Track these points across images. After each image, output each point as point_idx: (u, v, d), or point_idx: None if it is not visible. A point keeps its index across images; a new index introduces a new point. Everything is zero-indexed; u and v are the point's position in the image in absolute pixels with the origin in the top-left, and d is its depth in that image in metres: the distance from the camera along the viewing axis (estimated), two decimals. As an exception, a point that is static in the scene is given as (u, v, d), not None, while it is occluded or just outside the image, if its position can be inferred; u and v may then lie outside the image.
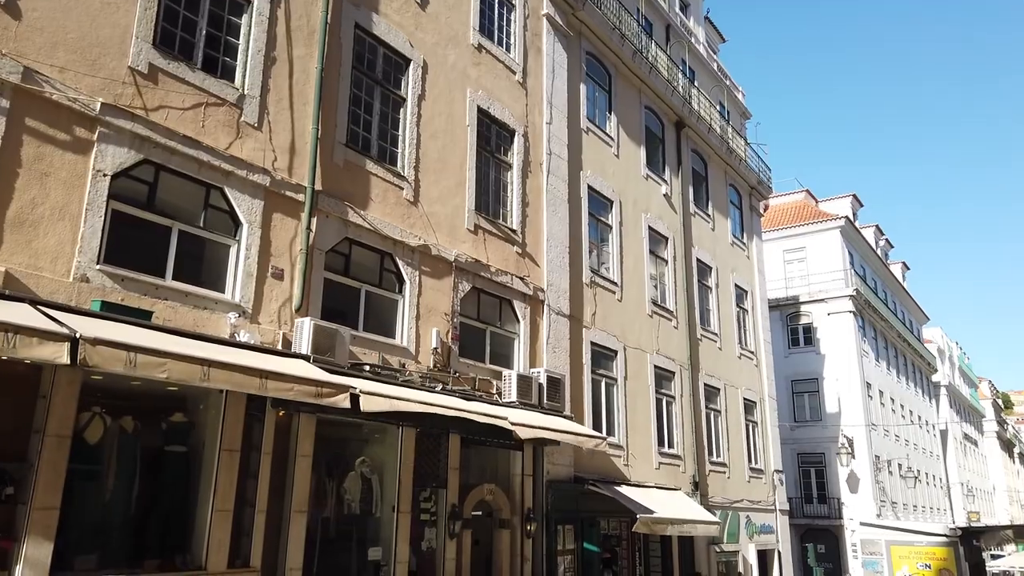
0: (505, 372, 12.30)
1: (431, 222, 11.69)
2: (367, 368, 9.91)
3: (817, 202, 40.69)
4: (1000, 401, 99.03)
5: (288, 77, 9.71)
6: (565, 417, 13.08)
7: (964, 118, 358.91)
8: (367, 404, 8.06)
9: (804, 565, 27.98)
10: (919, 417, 44.54)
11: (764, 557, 21.37)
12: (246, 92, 9.14)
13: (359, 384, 8.28)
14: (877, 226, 44.65)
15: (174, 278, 8.13)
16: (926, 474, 43.34)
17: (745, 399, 22.01)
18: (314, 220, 9.67)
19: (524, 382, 12.34)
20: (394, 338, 10.76)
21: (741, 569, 19.61)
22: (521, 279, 13.48)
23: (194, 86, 8.58)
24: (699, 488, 18.27)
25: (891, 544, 14.10)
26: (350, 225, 10.20)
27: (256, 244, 8.93)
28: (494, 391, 12.26)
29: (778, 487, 22.82)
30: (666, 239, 19.37)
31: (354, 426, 10.22)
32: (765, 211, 40.52)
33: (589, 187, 16.38)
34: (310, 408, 8.91)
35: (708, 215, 22.01)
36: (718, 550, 18.58)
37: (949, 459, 52.67)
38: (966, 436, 62.74)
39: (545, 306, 14.03)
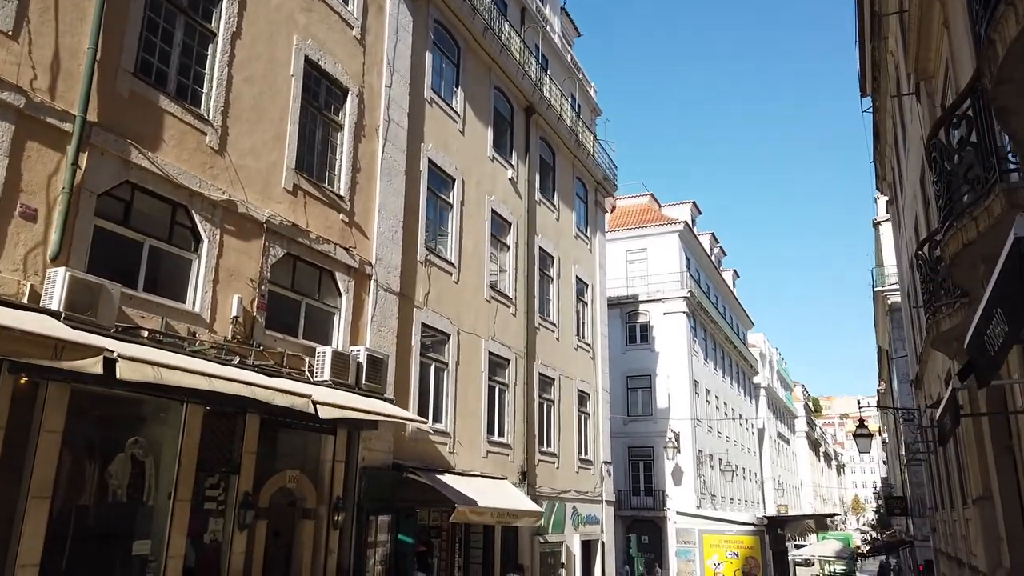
0: (319, 348, 11.24)
1: (240, 176, 10.41)
2: (145, 334, 8.55)
3: (660, 206, 42.25)
4: (811, 404, 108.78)
5: (61, -16, 8.15)
6: (386, 400, 12.21)
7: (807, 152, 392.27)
8: (126, 371, 6.80)
9: (627, 555, 28.71)
10: (740, 415, 47.51)
11: (588, 547, 21.53)
12: (0, -8, 7.53)
13: (119, 347, 6.98)
14: (713, 234, 47.12)
15: None
16: (743, 469, 46.29)
17: (579, 390, 22.09)
18: (84, 156, 8.18)
19: (340, 360, 11.33)
20: (184, 303, 9.42)
21: (564, 559, 19.58)
22: (346, 250, 12.44)
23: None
24: (527, 478, 17.99)
25: (704, 533, 14.39)
26: (133, 167, 8.77)
27: (0, 175, 7.36)
28: (306, 368, 11.17)
29: (606, 478, 23.11)
30: (509, 224, 18.94)
31: (128, 401, 8.81)
32: (612, 211, 41.62)
33: (430, 161, 15.57)
34: (61, 376, 7.47)
35: (554, 205, 21.87)
36: (542, 540, 18.41)
37: (764, 456, 56.76)
38: (780, 435, 68.02)
39: (372, 281, 13.07)
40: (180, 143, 9.49)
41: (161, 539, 8.66)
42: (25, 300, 7.38)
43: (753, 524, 14.43)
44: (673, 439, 33.17)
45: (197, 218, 9.63)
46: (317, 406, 9.45)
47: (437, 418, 14.94)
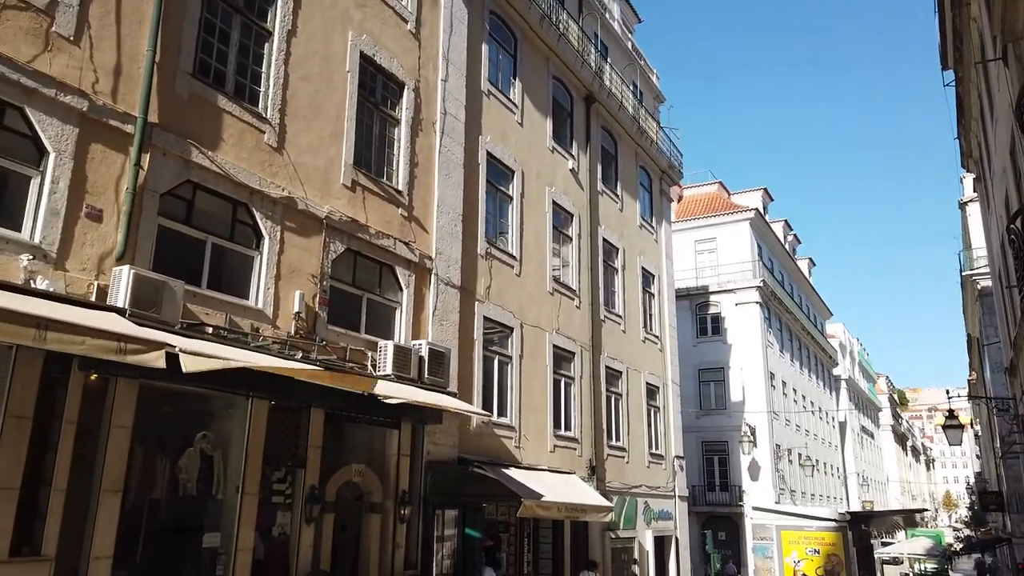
0: (381, 343, 11.25)
1: (299, 173, 10.49)
2: (209, 330, 8.69)
3: (729, 194, 41.10)
4: (896, 397, 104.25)
5: (121, -10, 8.34)
6: (449, 394, 12.14)
7: (880, 126, 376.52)
8: (189, 364, 6.87)
9: (703, 552, 28.03)
10: (819, 408, 45.83)
11: (661, 543, 21.06)
12: None
13: (181, 342, 7.08)
14: (786, 221, 45.55)
15: (-48, 210, 6.74)
16: (824, 463, 44.64)
17: (648, 383, 21.62)
18: (146, 157, 8.36)
19: (402, 354, 11.31)
20: (247, 299, 9.54)
21: (637, 555, 19.18)
22: (406, 244, 12.43)
23: (-10, -16, 7.16)
24: (596, 472, 17.69)
25: (781, 529, 13.79)
26: (194, 167, 8.92)
27: (66, 177, 7.57)
28: (368, 363, 11.19)
29: (678, 473, 22.56)
30: (571, 216, 18.65)
31: (195, 397, 8.99)
32: (679, 201, 40.77)
33: (488, 154, 15.45)
34: (130, 372, 7.64)
35: (617, 195, 21.45)
36: (613, 536, 18.07)
37: (847, 450, 54.61)
38: (863, 428, 65.38)
39: (433, 275, 13.03)
40: (239, 142, 9.61)
41: (230, 532, 8.79)
42: (93, 299, 7.56)
43: (835, 520, 13.75)
44: (748, 433, 32.17)
45: (258, 215, 9.74)
46: (379, 395, 9.43)
47: (502, 412, 14.81)
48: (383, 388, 9.77)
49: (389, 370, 11.01)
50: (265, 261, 9.78)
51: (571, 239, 18.60)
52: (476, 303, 14.37)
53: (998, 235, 16.27)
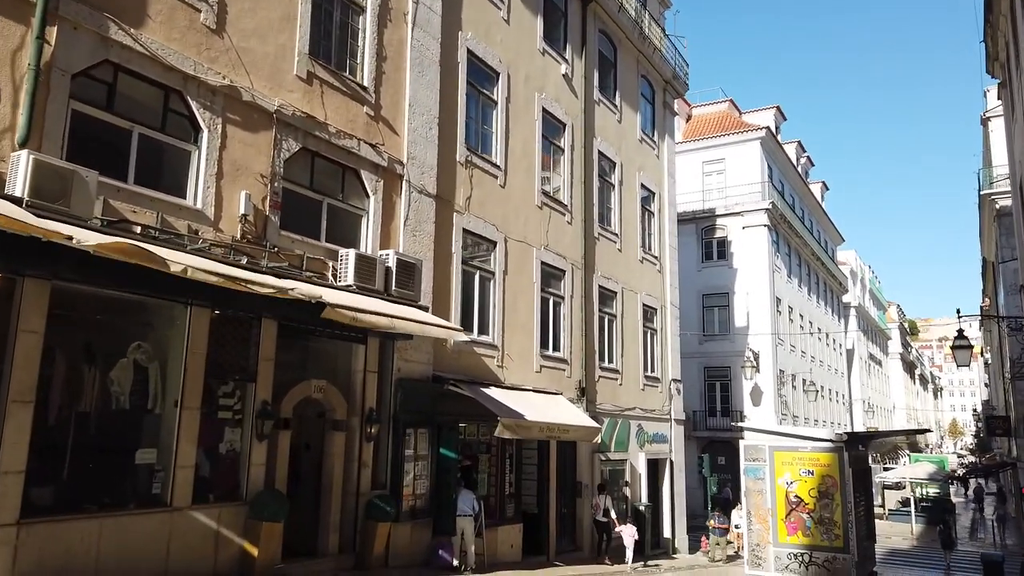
0: (342, 251, 10.40)
1: (243, 60, 9.44)
2: (138, 229, 7.85)
3: (740, 113, 39.36)
4: (907, 326, 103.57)
5: None
6: (420, 308, 11.36)
7: (891, 42, 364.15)
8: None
9: (700, 476, 27.82)
10: (827, 335, 45.13)
11: (656, 466, 20.67)
12: None
13: (83, 235, 6.23)
14: (799, 142, 43.84)
15: None
16: (829, 390, 44.24)
17: (645, 305, 20.82)
18: (52, 30, 7.35)
19: (365, 264, 10.48)
20: (184, 198, 8.67)
21: (628, 478, 18.78)
22: (372, 146, 11.43)
23: None
24: (586, 394, 17.08)
25: (775, 450, 13.15)
26: (114, 45, 7.91)
27: (-51, 48, 6.61)
28: (329, 273, 10.38)
29: (675, 396, 22.00)
30: (563, 125, 17.48)
31: (130, 304, 8.23)
32: (688, 121, 39.15)
33: (470, 52, 14.23)
34: (38, 272, 6.87)
35: (615, 106, 20.16)
36: (603, 458, 17.60)
37: (853, 377, 54.23)
38: (871, 356, 64.91)
39: (404, 182, 12.08)
40: (169, 20, 8.55)
41: (169, 448, 8.17)
42: (-11, 188, 6.71)
43: (831, 440, 13.08)
44: (752, 358, 31.59)
45: (194, 105, 8.76)
46: (333, 308, 8.63)
47: (483, 330, 14.08)
48: (338, 298, 8.97)
49: (351, 280, 10.21)
50: (204, 157, 8.85)
51: (563, 151, 17.48)
52: (454, 214, 13.44)
53: (1022, 140, 15.06)
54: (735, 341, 32.75)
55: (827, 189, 51.14)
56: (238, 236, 9.11)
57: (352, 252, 10.32)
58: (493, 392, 13.06)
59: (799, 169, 42.51)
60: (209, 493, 8.60)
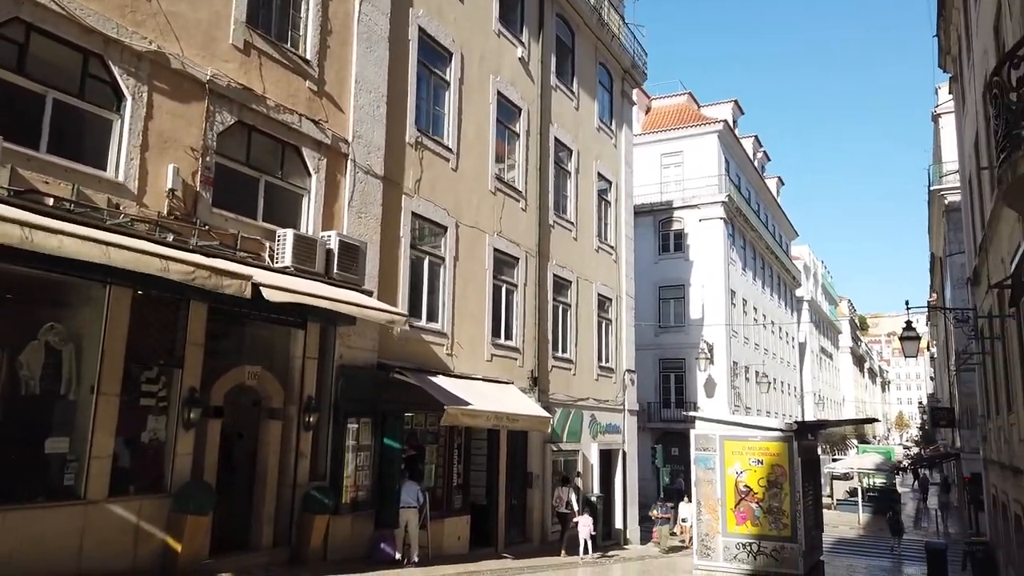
0: (280, 231, 9.91)
1: (172, 25, 8.87)
2: (50, 202, 7.28)
3: (699, 106, 39.47)
4: (857, 321, 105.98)
5: None
6: (364, 292, 10.93)
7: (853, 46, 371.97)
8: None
9: (654, 467, 27.90)
10: (780, 328, 45.73)
11: (609, 457, 20.53)
12: None
13: (-25, 202, 5.68)
14: (756, 137, 44.20)
15: None
16: (782, 382, 44.87)
17: (600, 295, 20.62)
18: (-50, -20, 6.74)
19: (304, 245, 10.00)
20: (104, 170, 8.10)
21: (581, 468, 18.60)
22: (315, 123, 10.94)
23: None
24: (538, 384, 16.81)
25: (725, 439, 13.03)
26: (25, 2, 7.30)
27: None
28: (266, 254, 9.89)
29: (629, 387, 21.88)
30: (519, 110, 17.13)
31: (42, 283, 7.64)
32: (647, 113, 39.13)
33: (421, 30, 13.77)
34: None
35: (572, 92, 19.88)
36: (555, 449, 17.38)
37: (805, 370, 55.14)
38: (823, 349, 66.16)
39: (350, 161, 11.60)
40: (88, -22, 7.95)
41: (83, 437, 7.63)
42: None
43: (780, 430, 13.03)
44: (706, 350, 31.75)
45: (117, 71, 8.19)
46: (266, 288, 8.17)
47: (433, 317, 13.69)
48: (270, 279, 8.50)
49: (288, 262, 9.73)
50: (128, 126, 8.28)
51: (518, 136, 17.13)
52: (403, 197, 13.01)
53: (972, 133, 15.20)
54: (690, 333, 32.89)
55: (783, 184, 51.75)
56: (165, 212, 8.57)
57: (290, 232, 9.83)
58: (441, 381, 12.69)
59: (756, 164, 42.89)
60: (129, 485, 8.08)
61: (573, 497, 16.65)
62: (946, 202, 28.57)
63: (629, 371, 22.06)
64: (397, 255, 12.74)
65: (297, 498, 10.11)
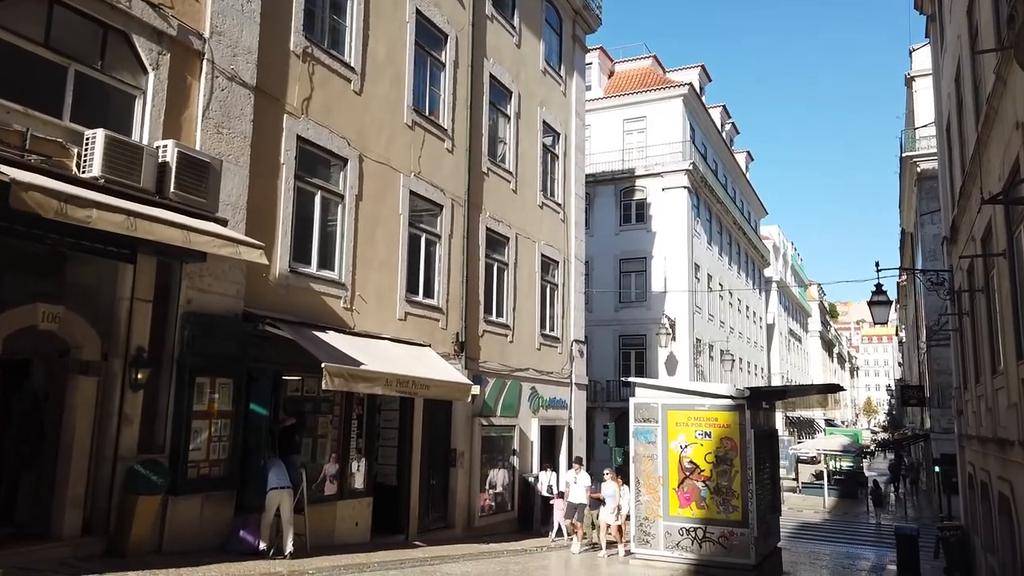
0: (88, 132, 7.71)
1: None
2: None
3: (664, 71, 37.51)
4: (827, 306, 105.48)
5: None
6: (215, 220, 8.77)
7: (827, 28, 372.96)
8: None
9: (605, 445, 26.06)
10: (747, 307, 44.21)
11: (552, 434, 18.60)
12: None
13: None
14: (724, 107, 42.38)
15: None
16: (748, 363, 43.39)
17: (544, 256, 18.60)
18: None
19: (124, 151, 7.81)
20: None
21: (517, 446, 16.64)
22: (155, 7, 8.71)
23: None
24: (465, 349, 14.77)
25: (668, 408, 11.15)
26: None
27: None
28: (72, 162, 7.69)
29: (577, 359, 19.92)
30: (444, 36, 14.97)
31: None
32: (611, 77, 37.08)
33: (314, -78, 11.55)
34: None
35: (513, 27, 17.75)
36: (485, 423, 15.38)
37: (773, 352, 53.82)
38: (791, 332, 64.99)
39: (206, 61, 9.39)
40: None
41: None
42: None
43: (731, 397, 11.14)
44: (667, 326, 29.96)
45: None
46: (25, 192, 5.98)
47: (327, 264, 11.57)
48: (45, 183, 6.31)
49: (97, 172, 7.55)
50: None
51: (444, 66, 14.97)
52: (286, 116, 10.82)
53: (952, 68, 13.37)
54: (652, 308, 31.07)
55: (752, 160, 50.09)
56: (-102, 88, 6.33)
57: (101, 132, 7.62)
58: (332, 338, 10.59)
59: (724, 135, 41.09)
60: None
61: (554, 481, 16.09)
62: (919, 169, 27.00)
63: (578, 341, 20.09)
64: (276, 184, 10.58)
65: (119, 475, 7.98)
